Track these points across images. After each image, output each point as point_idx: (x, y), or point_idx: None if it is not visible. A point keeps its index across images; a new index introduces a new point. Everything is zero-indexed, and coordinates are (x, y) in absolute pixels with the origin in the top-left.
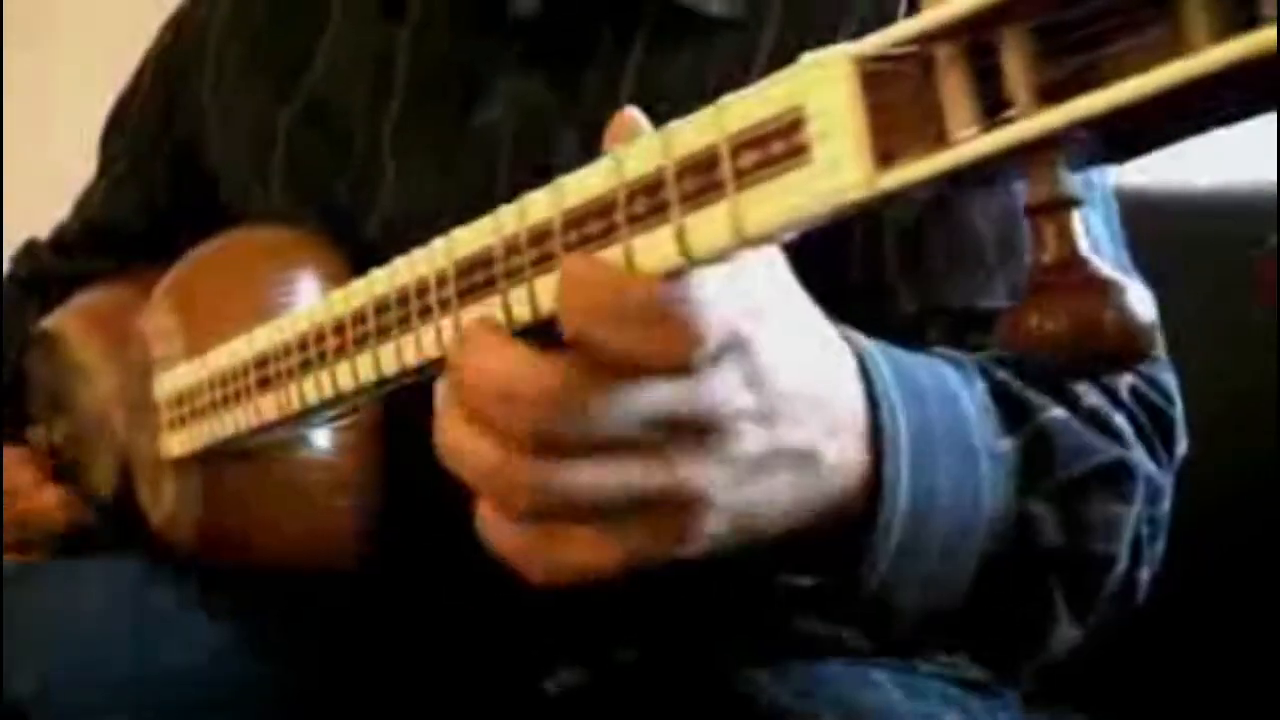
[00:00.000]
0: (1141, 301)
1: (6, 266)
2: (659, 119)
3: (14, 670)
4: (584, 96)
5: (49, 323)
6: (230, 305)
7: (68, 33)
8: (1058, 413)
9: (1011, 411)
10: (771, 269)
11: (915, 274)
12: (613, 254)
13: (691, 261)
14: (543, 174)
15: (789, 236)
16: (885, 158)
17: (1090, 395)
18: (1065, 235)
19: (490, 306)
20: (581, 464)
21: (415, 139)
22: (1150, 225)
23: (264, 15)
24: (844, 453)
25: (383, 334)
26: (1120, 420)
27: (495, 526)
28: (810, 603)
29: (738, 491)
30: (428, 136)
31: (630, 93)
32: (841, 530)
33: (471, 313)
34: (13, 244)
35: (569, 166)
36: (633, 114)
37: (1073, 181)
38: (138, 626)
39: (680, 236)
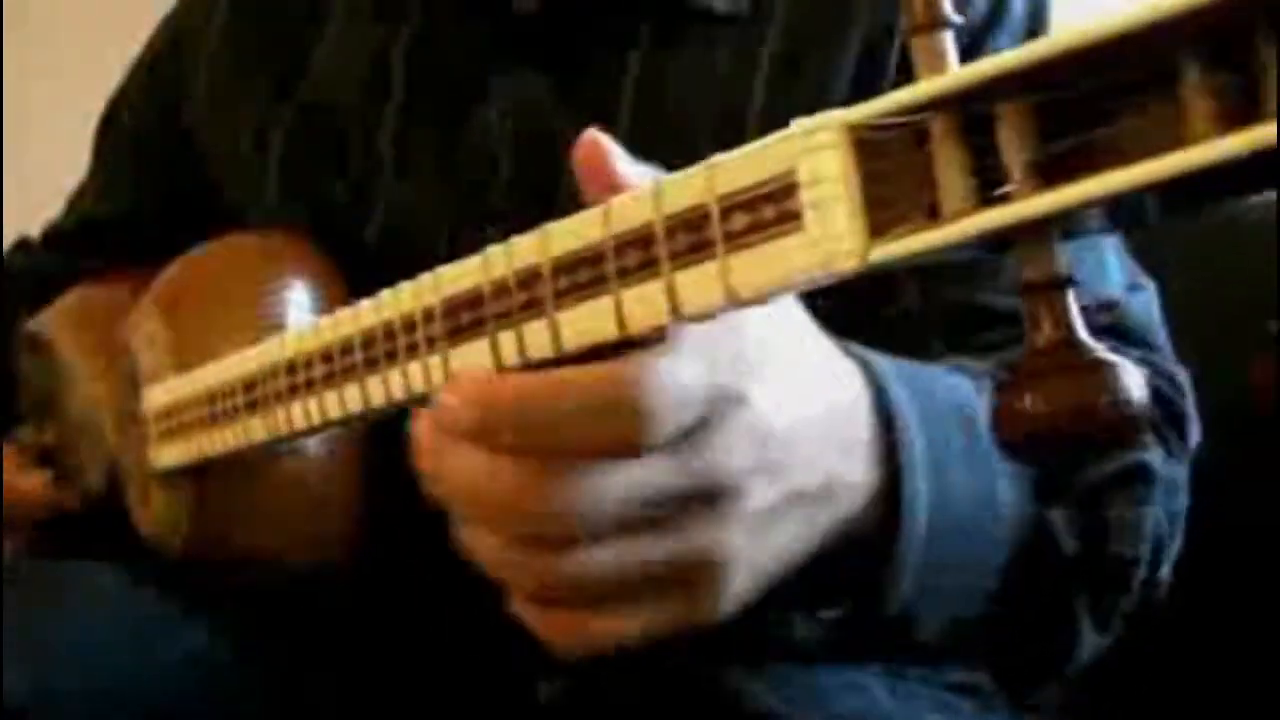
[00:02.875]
0: (1136, 384)
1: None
2: (663, 117)
3: (12, 672)
4: (585, 95)
5: (37, 323)
6: (218, 316)
7: (68, 32)
8: None
9: None
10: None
11: (917, 270)
12: (603, 305)
13: (682, 318)
14: (543, 173)
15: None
16: (877, 230)
17: None
18: (1059, 316)
19: (478, 347)
20: (589, 549)
21: (414, 139)
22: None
23: (262, 14)
24: (856, 479)
25: (370, 366)
26: None
27: (520, 608)
28: (832, 631)
29: (755, 546)
30: (427, 136)
31: (632, 91)
32: (859, 555)
33: (460, 352)
34: (11, 243)
35: (568, 168)
36: (597, 136)
37: (1067, 260)
38: (135, 628)
39: (671, 293)
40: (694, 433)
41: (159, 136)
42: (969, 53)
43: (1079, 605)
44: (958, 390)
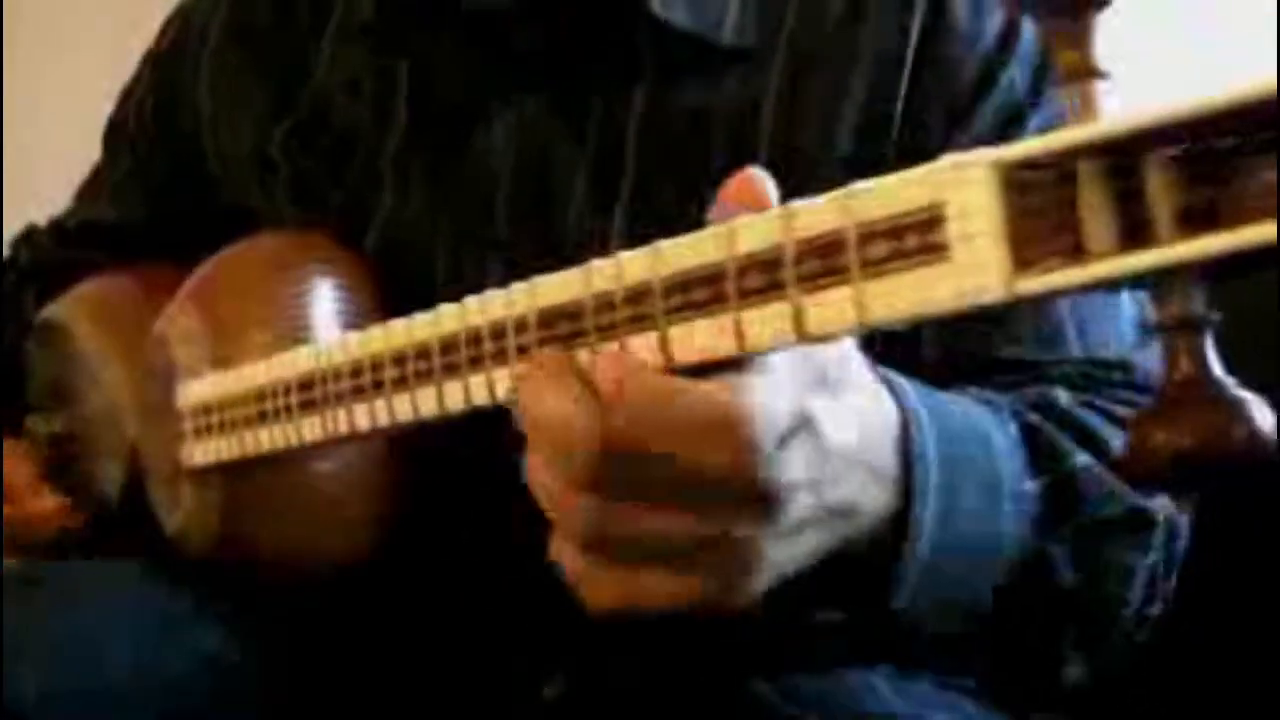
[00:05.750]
0: (1264, 415)
1: (6, 254)
2: (668, 149)
3: (14, 675)
4: (588, 125)
5: (52, 312)
6: (257, 313)
7: (67, 32)
8: (1084, 459)
9: (1041, 454)
10: None
11: (938, 320)
12: (721, 323)
13: (807, 340)
14: (543, 199)
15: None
16: (1022, 265)
17: (1116, 441)
18: (1196, 353)
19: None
20: (637, 509)
21: (414, 160)
22: None
23: (265, 21)
24: (878, 502)
25: (449, 371)
26: None
27: (560, 551)
28: (835, 631)
29: (783, 549)
30: (427, 160)
31: (636, 123)
32: (864, 566)
33: None
34: (12, 234)
35: (572, 197)
36: (758, 175)
37: (1205, 301)
38: (137, 631)
39: (798, 316)
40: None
41: (160, 140)
42: (983, 82)
43: (1067, 636)
44: (975, 418)
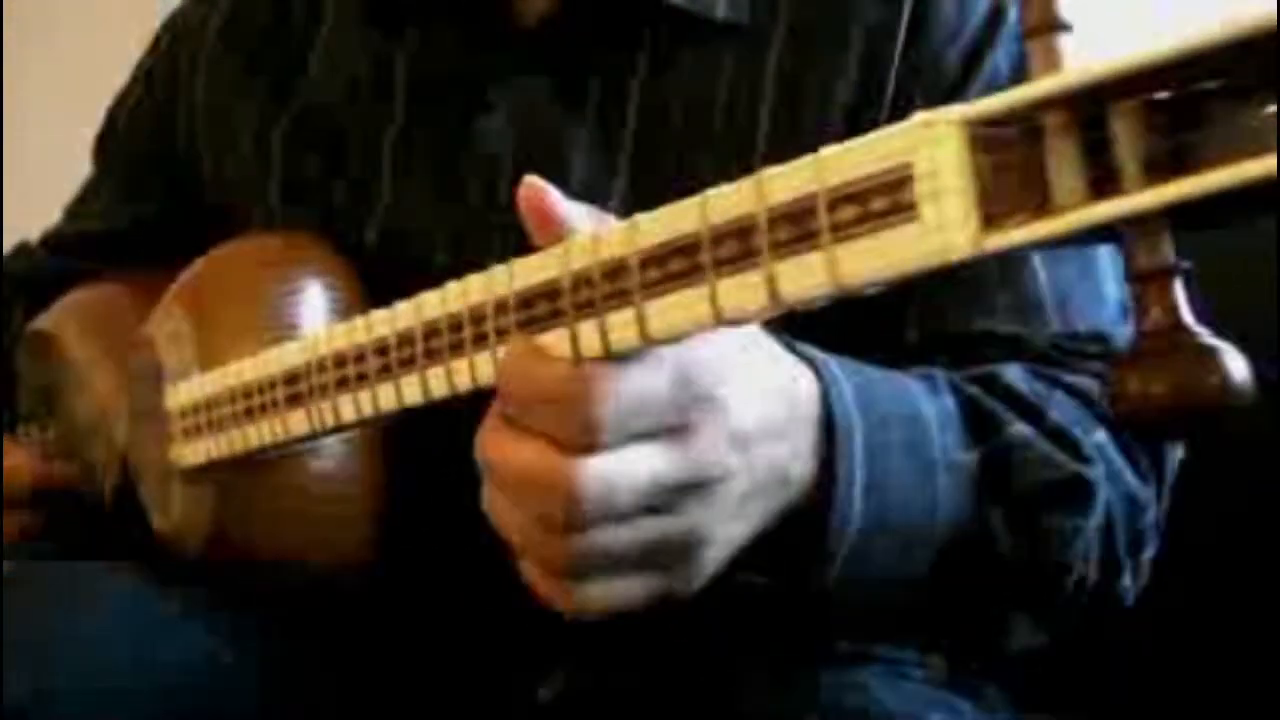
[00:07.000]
0: (1239, 365)
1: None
2: (667, 124)
3: (13, 675)
4: (589, 105)
5: (42, 322)
6: (244, 314)
7: (68, 33)
8: (1022, 428)
9: (978, 425)
10: None
11: (916, 298)
12: (698, 294)
13: (781, 307)
14: (547, 180)
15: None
16: (991, 220)
17: (1055, 413)
18: (1168, 302)
19: (556, 337)
20: (594, 532)
21: (414, 147)
22: None
23: (260, 21)
24: (804, 471)
25: (432, 357)
26: (1088, 437)
27: (534, 577)
28: (767, 599)
29: (730, 527)
30: (427, 145)
31: (636, 100)
32: (797, 534)
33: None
34: (11, 243)
35: (573, 175)
36: (539, 184)
37: (1174, 249)
38: (136, 630)
39: (771, 282)
40: (682, 433)
41: (154, 148)
42: (969, 66)
43: (1009, 600)
44: (904, 391)
